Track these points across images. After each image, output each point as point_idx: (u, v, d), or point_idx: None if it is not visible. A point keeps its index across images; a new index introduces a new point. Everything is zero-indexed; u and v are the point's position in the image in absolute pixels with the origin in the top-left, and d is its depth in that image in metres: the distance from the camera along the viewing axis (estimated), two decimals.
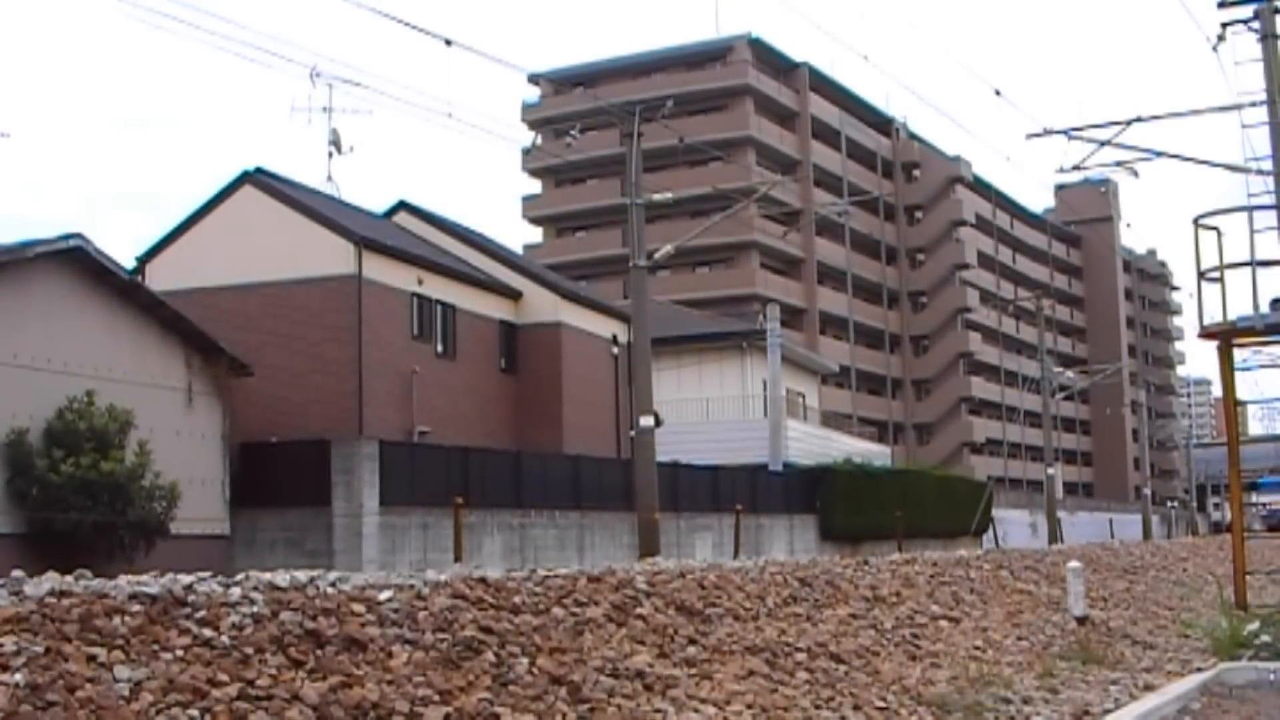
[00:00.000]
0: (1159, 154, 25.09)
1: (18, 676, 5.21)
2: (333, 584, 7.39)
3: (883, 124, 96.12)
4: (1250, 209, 16.65)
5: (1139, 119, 24.37)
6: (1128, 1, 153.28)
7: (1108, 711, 9.39)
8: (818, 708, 8.09)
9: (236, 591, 6.75)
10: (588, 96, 53.33)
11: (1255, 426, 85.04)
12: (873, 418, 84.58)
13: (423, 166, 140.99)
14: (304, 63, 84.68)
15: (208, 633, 6.16)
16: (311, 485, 24.91)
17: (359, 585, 7.49)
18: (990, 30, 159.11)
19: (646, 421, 26.00)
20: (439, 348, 32.37)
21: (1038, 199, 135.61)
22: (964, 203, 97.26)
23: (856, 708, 8.27)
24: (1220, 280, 15.84)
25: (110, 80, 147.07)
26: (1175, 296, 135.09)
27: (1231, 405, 16.64)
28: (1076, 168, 26.39)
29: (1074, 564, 13.37)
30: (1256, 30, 20.83)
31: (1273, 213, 18.81)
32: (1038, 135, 25.50)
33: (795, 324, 77.75)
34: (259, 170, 31.27)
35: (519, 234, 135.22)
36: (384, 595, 7.36)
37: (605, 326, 38.15)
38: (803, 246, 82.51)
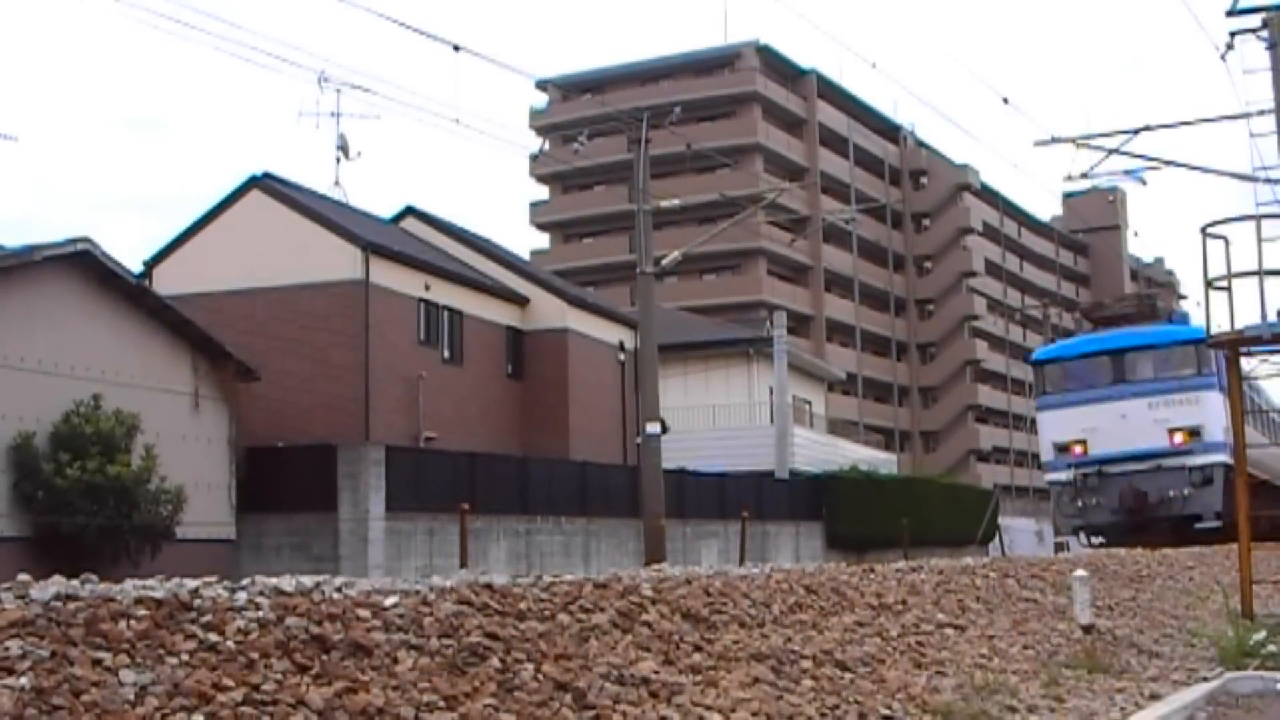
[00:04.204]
0: (1167, 162, 25.15)
1: (23, 680, 5.22)
2: (338, 589, 7.39)
3: (890, 131, 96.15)
4: (1258, 217, 16.61)
5: (1147, 127, 24.42)
6: (1136, 10, 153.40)
7: None
8: (823, 715, 8.08)
9: (242, 596, 6.75)
10: (596, 103, 53.40)
11: None
12: (879, 425, 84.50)
13: (430, 172, 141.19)
14: (312, 68, 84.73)
15: (213, 637, 6.16)
16: (318, 490, 24.93)
17: (365, 591, 7.49)
18: (999, 38, 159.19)
19: (653, 428, 26.03)
20: (445, 353, 32.40)
21: (1045, 207, 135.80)
22: (971, 210, 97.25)
23: (862, 715, 8.26)
24: (1228, 289, 15.81)
25: (117, 84, 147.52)
26: (1182, 305, 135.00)
27: (1238, 414, 16.60)
28: (1084, 175, 26.46)
29: (1080, 572, 13.36)
30: (1265, 39, 20.85)
31: None
32: (1046, 143, 25.58)
33: (802, 331, 77.75)
34: (266, 175, 31.32)
35: (526, 240, 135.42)
36: (390, 601, 7.36)
37: (612, 333, 38.14)
38: (810, 254, 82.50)
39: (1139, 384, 28.20)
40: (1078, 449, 28.71)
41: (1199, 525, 26.96)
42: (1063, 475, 29.00)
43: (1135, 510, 27.06)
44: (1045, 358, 32.00)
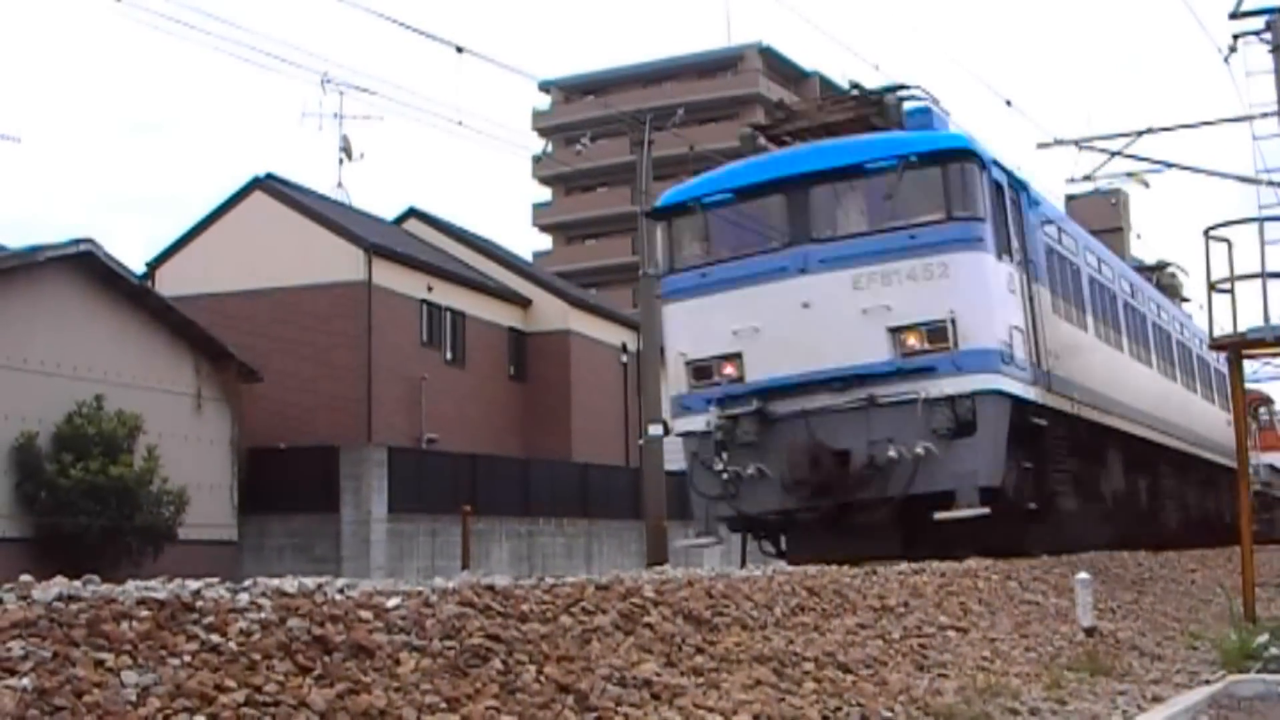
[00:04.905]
0: (1169, 165, 25.19)
1: (25, 681, 5.21)
2: (341, 590, 7.38)
3: None
4: (1261, 220, 16.61)
5: (1150, 130, 24.46)
6: (1139, 12, 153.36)
7: None
8: (825, 717, 8.07)
9: (244, 597, 6.74)
10: (598, 104, 53.39)
11: None
12: None
13: (433, 173, 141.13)
14: (314, 69, 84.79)
15: (215, 639, 6.15)
16: (320, 492, 24.98)
17: (367, 592, 7.48)
18: (1001, 40, 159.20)
19: (655, 430, 25.99)
20: (448, 355, 32.41)
21: None
22: None
23: (864, 717, 8.25)
24: (1231, 291, 15.81)
25: (121, 85, 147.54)
26: (1185, 308, 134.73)
27: (1241, 416, 16.59)
28: (1087, 178, 26.52)
29: (1082, 575, 13.33)
30: (1268, 41, 20.86)
31: None
32: (1048, 145, 25.59)
33: None
34: (269, 176, 31.36)
35: (529, 241, 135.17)
36: (392, 602, 7.35)
37: (614, 334, 38.16)
38: None
39: (835, 244, 15.20)
40: (727, 370, 15.53)
41: (944, 515, 14.57)
42: (699, 422, 15.61)
43: (824, 486, 14.69)
44: (673, 203, 17.14)
